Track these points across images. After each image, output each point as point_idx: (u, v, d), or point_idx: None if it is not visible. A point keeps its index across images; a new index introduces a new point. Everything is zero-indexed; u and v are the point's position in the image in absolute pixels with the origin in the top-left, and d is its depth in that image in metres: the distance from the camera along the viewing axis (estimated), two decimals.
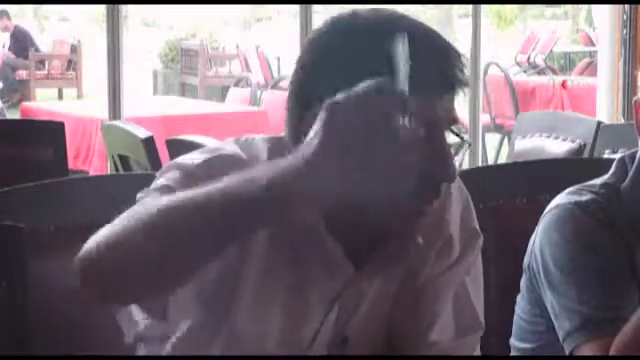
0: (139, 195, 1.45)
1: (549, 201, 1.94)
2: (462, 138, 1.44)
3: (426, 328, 1.57)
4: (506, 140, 7.70)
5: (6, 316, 1.82)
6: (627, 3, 5.65)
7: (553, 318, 1.88)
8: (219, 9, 16.28)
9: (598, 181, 1.93)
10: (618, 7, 5.74)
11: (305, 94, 1.44)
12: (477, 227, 1.62)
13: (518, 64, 12.86)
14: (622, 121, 5.45)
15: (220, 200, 1.26)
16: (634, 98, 1.93)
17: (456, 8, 15.38)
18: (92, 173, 6.33)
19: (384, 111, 1.23)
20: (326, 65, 1.43)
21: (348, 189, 1.23)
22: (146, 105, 8.36)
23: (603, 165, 2.01)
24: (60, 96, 13.40)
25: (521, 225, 2.04)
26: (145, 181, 1.49)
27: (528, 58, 12.92)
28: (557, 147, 3.54)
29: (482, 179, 2.27)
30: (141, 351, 1.54)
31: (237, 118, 7.70)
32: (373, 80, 1.25)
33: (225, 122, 7.15)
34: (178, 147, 3.45)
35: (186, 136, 3.70)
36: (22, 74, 13.27)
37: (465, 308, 1.59)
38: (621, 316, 1.78)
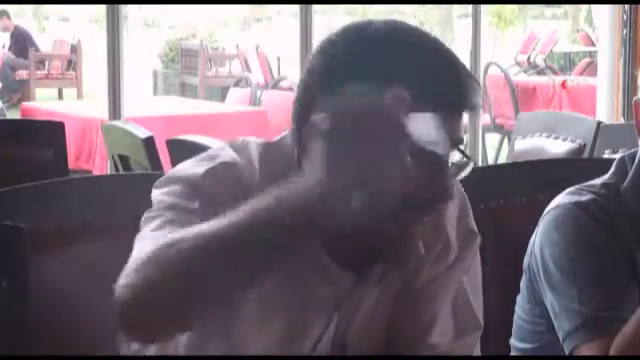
0: (146, 215, 1.45)
1: (549, 201, 1.94)
2: (467, 156, 1.44)
3: (425, 330, 1.57)
4: (506, 140, 7.71)
5: (6, 316, 1.82)
6: (627, 3, 5.65)
7: (553, 318, 1.88)
8: (219, 9, 16.29)
9: (598, 181, 1.93)
10: (618, 7, 5.74)
11: (311, 100, 1.44)
12: (474, 227, 1.61)
13: (518, 64, 12.86)
14: (622, 121, 5.45)
15: (244, 235, 1.26)
16: (634, 98, 1.93)
17: (456, 8, 15.39)
18: (92, 173, 6.33)
19: (384, 124, 1.22)
20: (334, 73, 1.43)
21: (352, 206, 1.23)
22: (146, 105, 8.35)
23: (603, 165, 2.01)
24: (60, 96, 13.39)
25: (521, 225, 2.04)
26: (145, 181, 1.49)
27: (528, 58, 12.91)
28: (557, 147, 3.54)
29: (482, 179, 2.27)
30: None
31: (237, 118, 7.70)
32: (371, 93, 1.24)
33: (225, 122, 7.15)
34: (178, 147, 3.45)
35: (186, 136, 3.70)
36: (22, 74, 13.26)
37: (464, 309, 1.59)
38: (621, 316, 1.78)
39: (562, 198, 1.92)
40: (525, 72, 12.36)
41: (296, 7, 5.64)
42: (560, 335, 1.85)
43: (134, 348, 1.53)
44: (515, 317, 2.02)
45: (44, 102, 11.06)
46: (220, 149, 1.52)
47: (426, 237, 1.48)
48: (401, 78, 1.36)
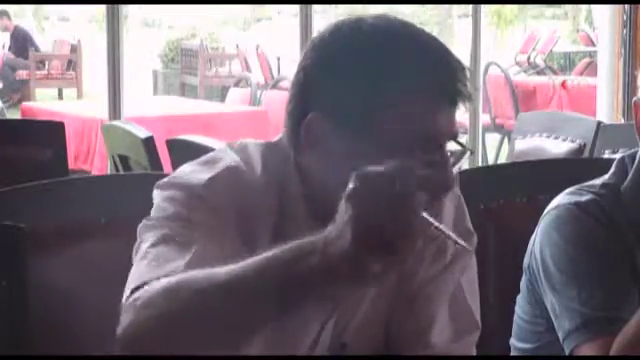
0: (145, 223, 1.45)
1: (549, 201, 1.94)
2: (464, 146, 1.44)
3: (424, 331, 1.57)
4: (506, 140, 7.71)
5: (6, 316, 1.82)
6: (627, 3, 5.65)
7: (553, 318, 1.88)
8: (219, 9, 16.28)
9: (598, 181, 1.93)
10: (618, 7, 5.74)
11: (306, 98, 1.44)
12: (470, 227, 1.61)
13: (518, 64, 12.85)
14: (622, 121, 5.45)
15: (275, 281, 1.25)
16: (634, 99, 1.93)
17: (456, 8, 15.38)
18: (92, 173, 6.33)
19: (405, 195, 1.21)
20: (327, 70, 1.43)
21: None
22: (146, 105, 8.36)
23: (603, 165, 2.01)
24: (60, 96, 13.40)
25: (521, 225, 2.04)
26: (145, 181, 1.49)
27: (528, 58, 12.91)
28: (557, 147, 3.54)
29: (482, 179, 2.27)
30: None
31: (237, 118, 7.70)
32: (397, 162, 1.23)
33: (225, 122, 7.15)
34: (178, 147, 3.45)
35: (186, 136, 3.70)
36: (22, 74, 13.26)
37: (461, 309, 1.59)
38: (621, 316, 1.77)
39: (562, 198, 1.92)
40: (525, 72, 12.35)
41: (296, 7, 5.65)
42: (560, 335, 1.85)
43: None
44: (515, 317, 2.02)
45: (44, 102, 11.06)
46: (222, 151, 1.51)
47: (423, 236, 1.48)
48: (392, 73, 1.37)
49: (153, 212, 1.46)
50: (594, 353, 1.79)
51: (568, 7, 17.56)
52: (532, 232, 1.95)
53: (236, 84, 11.40)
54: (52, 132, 3.42)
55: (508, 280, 2.06)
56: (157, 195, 1.47)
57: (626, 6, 5.65)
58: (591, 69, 9.96)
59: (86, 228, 1.87)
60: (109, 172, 4.74)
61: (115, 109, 5.27)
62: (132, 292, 1.34)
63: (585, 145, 3.45)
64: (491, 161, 7.75)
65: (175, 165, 1.55)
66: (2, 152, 3.29)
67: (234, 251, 1.35)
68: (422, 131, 1.38)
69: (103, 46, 5.26)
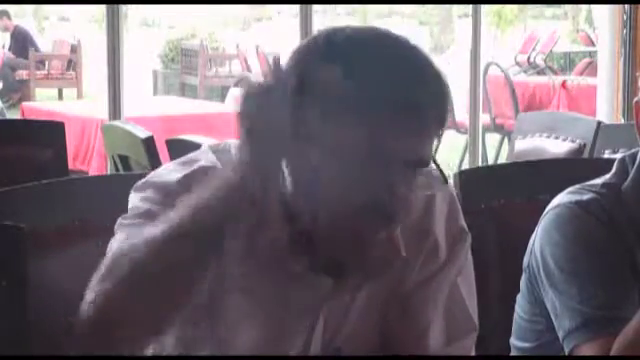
0: (121, 221, 1.47)
1: (549, 201, 1.94)
2: (442, 172, 1.45)
3: (420, 334, 1.56)
4: (506, 140, 7.70)
5: (6, 316, 1.82)
6: (627, 3, 5.65)
7: (553, 317, 1.88)
8: (219, 9, 16.28)
9: (599, 181, 1.93)
10: (618, 7, 5.74)
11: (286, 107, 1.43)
12: (464, 226, 1.60)
13: (518, 64, 12.86)
14: (622, 121, 5.45)
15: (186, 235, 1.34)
16: (634, 99, 1.93)
17: (456, 8, 15.39)
18: (92, 173, 6.33)
19: None
20: (301, 80, 1.41)
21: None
22: (146, 105, 8.35)
23: (603, 165, 2.01)
24: (60, 96, 13.39)
25: (521, 225, 2.04)
26: None
27: (528, 58, 12.92)
28: (557, 147, 3.54)
29: (482, 179, 2.27)
30: None
31: None
32: None
33: (225, 122, 7.14)
34: (178, 147, 3.45)
35: (186, 136, 3.70)
36: (22, 74, 13.26)
37: (458, 310, 1.59)
38: (622, 316, 1.77)
39: (563, 197, 1.92)
40: (525, 72, 12.36)
41: (296, 7, 5.65)
42: (560, 334, 1.85)
43: None
44: (515, 316, 2.02)
45: (44, 102, 11.06)
46: (201, 152, 1.52)
47: (412, 232, 1.48)
48: (368, 85, 1.36)
49: (129, 211, 1.48)
50: (594, 353, 1.78)
51: (568, 7, 17.56)
52: (532, 232, 1.95)
53: (236, 84, 11.39)
54: (52, 132, 3.42)
55: (508, 280, 2.06)
56: (133, 197, 1.49)
57: (626, 6, 5.65)
58: (591, 69, 9.96)
59: (86, 228, 1.87)
60: (109, 172, 4.74)
61: (115, 109, 5.27)
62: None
63: (585, 145, 3.45)
64: (491, 161, 7.74)
65: None
66: (2, 152, 3.29)
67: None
68: (383, 151, 1.37)
69: (103, 46, 5.26)
